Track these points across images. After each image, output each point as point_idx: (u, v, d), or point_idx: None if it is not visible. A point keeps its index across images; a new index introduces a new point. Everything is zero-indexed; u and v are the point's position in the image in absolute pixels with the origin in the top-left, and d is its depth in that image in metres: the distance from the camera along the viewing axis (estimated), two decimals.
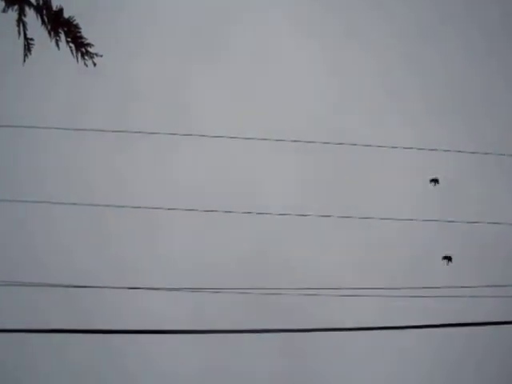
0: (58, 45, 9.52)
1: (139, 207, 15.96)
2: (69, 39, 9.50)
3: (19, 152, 16.09)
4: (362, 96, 16.83)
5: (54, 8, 9.38)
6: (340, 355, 16.10)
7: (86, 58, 9.55)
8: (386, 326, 13.57)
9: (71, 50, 9.53)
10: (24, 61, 9.46)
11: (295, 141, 16.40)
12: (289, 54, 16.67)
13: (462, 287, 16.23)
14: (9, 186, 15.87)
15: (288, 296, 15.89)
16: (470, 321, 13.84)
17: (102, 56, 9.62)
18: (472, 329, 15.72)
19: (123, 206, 15.92)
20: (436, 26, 16.91)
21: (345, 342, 15.98)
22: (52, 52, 9.45)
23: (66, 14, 9.42)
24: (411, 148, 16.68)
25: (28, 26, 9.39)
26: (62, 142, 15.84)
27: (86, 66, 9.58)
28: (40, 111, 15.76)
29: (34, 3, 9.33)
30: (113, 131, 15.83)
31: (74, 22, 9.44)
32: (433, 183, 16.43)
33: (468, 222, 16.52)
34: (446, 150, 16.64)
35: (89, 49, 9.54)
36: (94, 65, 9.63)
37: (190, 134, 16.11)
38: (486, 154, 16.78)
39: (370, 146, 16.61)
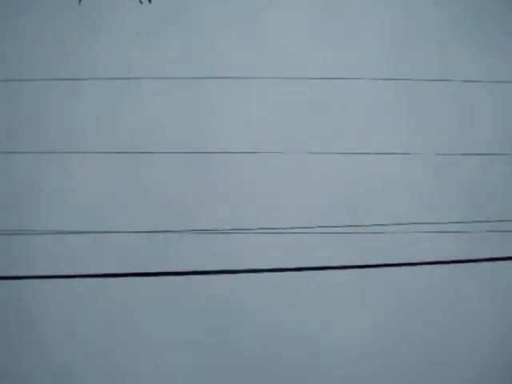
0: None
1: (220, 152, 16.08)
2: None
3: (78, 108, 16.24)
4: (435, 30, 16.53)
5: None
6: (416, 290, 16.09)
7: None
8: (463, 259, 13.56)
9: None
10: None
11: (375, 79, 16.28)
12: None
13: None
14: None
15: (374, 234, 15.96)
16: None
17: None
18: None
19: (202, 153, 16.06)
20: None
21: (416, 276, 15.98)
22: None
23: None
24: (480, 81, 16.38)
25: None
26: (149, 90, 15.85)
27: (141, 2, 9.55)
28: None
29: None
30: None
31: None
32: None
33: None
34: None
35: None
36: (149, 1, 9.58)
37: (279, 77, 16.07)
38: None
39: (446, 80, 16.37)
